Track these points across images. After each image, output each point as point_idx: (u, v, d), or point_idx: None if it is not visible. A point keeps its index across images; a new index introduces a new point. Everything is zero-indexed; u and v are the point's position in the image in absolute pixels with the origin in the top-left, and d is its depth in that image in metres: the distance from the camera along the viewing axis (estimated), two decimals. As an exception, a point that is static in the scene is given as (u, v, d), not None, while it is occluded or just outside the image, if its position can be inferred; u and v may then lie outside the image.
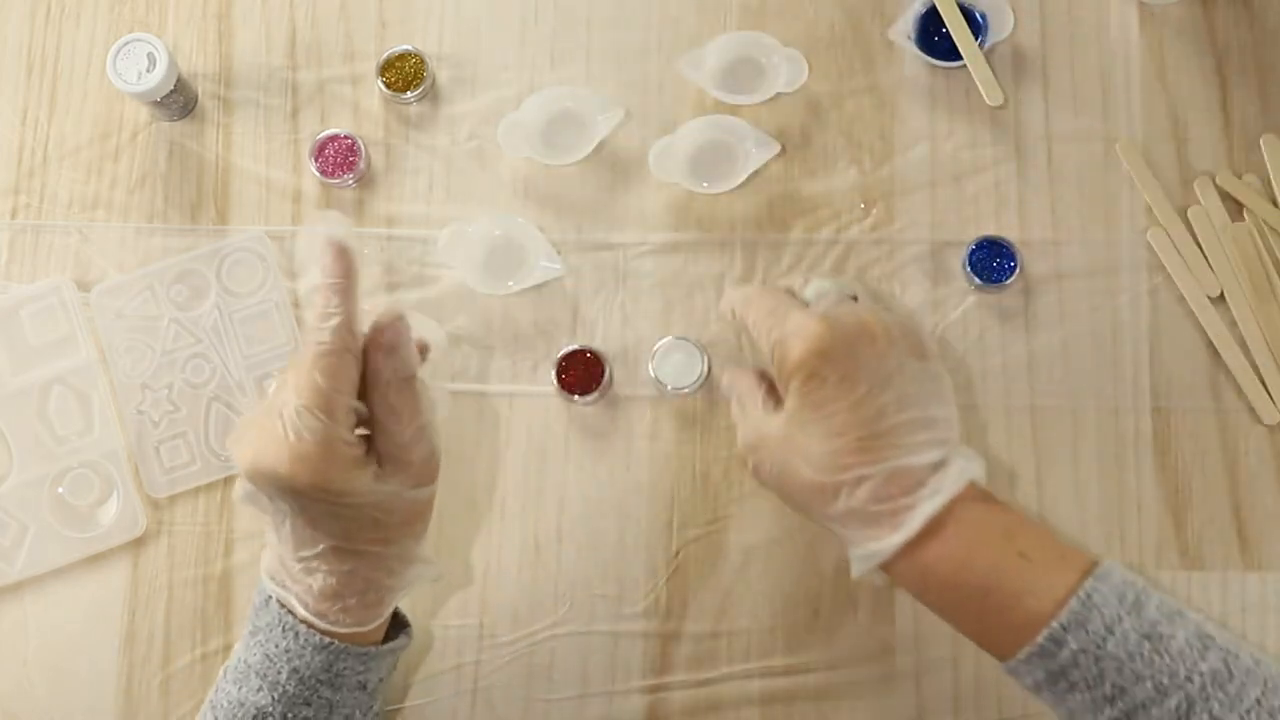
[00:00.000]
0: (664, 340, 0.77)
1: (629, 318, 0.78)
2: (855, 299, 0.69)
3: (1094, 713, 0.57)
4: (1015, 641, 0.58)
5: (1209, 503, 0.75)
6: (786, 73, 0.78)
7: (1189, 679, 0.56)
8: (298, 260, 0.78)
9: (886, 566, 0.61)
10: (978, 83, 0.78)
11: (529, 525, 0.76)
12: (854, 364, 0.61)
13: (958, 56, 0.78)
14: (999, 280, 0.77)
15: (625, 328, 0.78)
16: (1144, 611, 0.57)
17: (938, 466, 0.61)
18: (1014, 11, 0.79)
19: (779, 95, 0.79)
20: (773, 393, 0.66)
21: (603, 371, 0.76)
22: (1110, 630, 0.57)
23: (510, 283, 0.77)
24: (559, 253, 0.78)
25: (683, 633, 0.75)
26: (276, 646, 0.62)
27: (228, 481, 0.77)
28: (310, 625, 0.62)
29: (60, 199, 0.80)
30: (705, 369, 0.76)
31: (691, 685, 0.75)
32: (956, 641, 0.74)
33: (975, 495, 0.61)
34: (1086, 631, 0.57)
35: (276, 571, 0.63)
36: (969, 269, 0.77)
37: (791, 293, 0.69)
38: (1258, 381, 0.76)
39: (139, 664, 0.76)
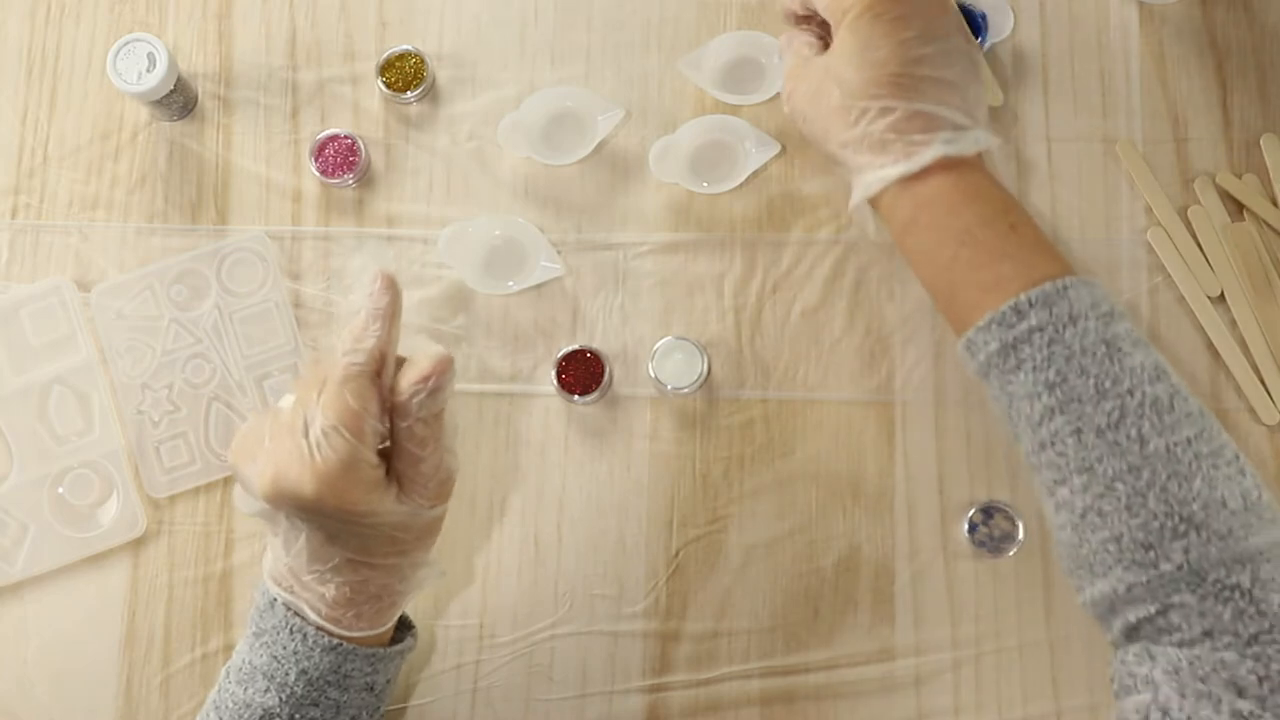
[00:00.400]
0: (664, 340, 0.77)
1: (629, 318, 0.78)
2: None
3: (1031, 400, 0.58)
4: (979, 303, 0.60)
5: (1209, 503, 0.75)
6: (786, 73, 0.78)
7: (1130, 393, 0.56)
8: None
9: (883, 201, 0.63)
10: (978, 83, 0.78)
11: (529, 525, 0.76)
12: (912, 8, 0.62)
13: (958, 56, 0.78)
14: (999, 280, 0.77)
15: (625, 328, 0.78)
16: (1112, 325, 0.58)
17: (960, 127, 0.62)
18: (1014, 11, 0.79)
19: (779, 95, 0.79)
20: (824, 48, 0.67)
21: (603, 371, 0.76)
22: (1074, 321, 0.57)
23: (510, 283, 0.77)
24: (559, 253, 0.78)
25: (683, 633, 0.75)
26: (284, 648, 0.62)
27: (227, 481, 0.77)
28: (323, 630, 0.62)
29: (60, 199, 0.80)
30: (705, 369, 0.76)
31: (691, 685, 0.75)
32: (956, 643, 0.74)
33: (987, 173, 0.63)
34: (1051, 312, 0.58)
35: (284, 578, 0.63)
36: (969, 269, 0.77)
37: None
38: (1258, 381, 0.76)
39: (139, 664, 0.76)
